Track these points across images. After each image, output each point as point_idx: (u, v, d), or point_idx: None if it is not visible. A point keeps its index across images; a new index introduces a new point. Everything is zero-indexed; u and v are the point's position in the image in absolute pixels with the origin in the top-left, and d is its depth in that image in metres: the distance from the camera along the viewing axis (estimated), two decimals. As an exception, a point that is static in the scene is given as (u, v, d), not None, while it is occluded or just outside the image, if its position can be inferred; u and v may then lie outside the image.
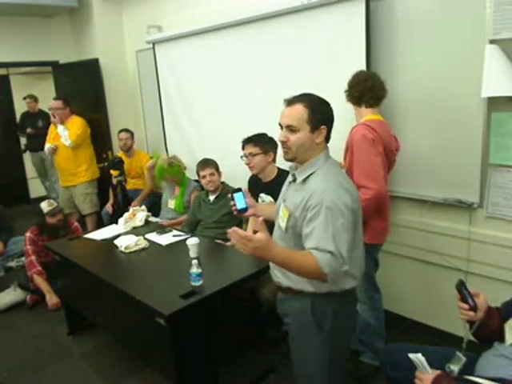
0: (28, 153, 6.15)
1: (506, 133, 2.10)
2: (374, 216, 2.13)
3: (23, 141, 6.20)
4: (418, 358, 1.41)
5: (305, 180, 1.51)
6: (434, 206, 2.44)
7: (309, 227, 1.43)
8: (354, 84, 2.18)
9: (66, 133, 4.19)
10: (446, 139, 2.32)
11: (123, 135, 4.20)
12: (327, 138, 1.53)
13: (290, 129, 1.48)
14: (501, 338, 1.48)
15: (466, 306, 1.49)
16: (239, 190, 1.74)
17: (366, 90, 2.15)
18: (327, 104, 1.52)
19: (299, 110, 1.46)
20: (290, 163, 1.61)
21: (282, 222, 1.55)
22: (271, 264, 1.65)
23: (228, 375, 2.27)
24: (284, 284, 1.60)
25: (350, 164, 2.11)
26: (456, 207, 2.35)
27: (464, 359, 1.47)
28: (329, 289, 1.51)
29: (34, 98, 5.89)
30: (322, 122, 1.48)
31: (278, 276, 1.62)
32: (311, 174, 1.50)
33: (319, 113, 1.47)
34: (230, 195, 1.75)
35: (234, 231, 1.37)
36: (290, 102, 1.50)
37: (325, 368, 1.61)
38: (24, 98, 5.88)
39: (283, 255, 1.41)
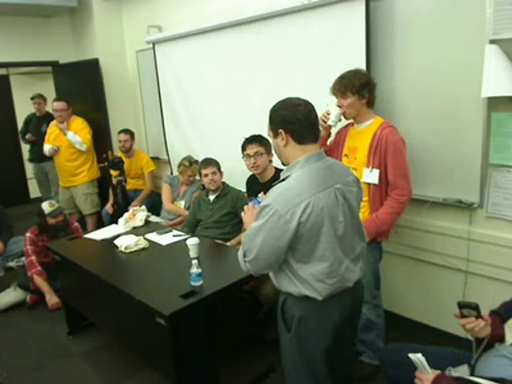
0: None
1: (506, 133, 2.10)
2: None
3: (26, 147, 5.62)
4: (417, 358, 1.41)
5: (282, 181, 1.52)
6: (433, 205, 2.44)
7: None
8: (369, 83, 2.17)
9: (78, 138, 4.20)
10: (445, 139, 2.31)
11: (122, 137, 4.18)
12: (298, 140, 1.50)
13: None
14: (501, 338, 1.48)
15: (471, 318, 1.48)
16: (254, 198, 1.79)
17: (375, 90, 2.19)
18: (290, 106, 1.50)
19: (268, 120, 1.57)
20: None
21: None
22: None
23: (228, 375, 2.27)
24: None
25: (380, 165, 2.12)
26: (456, 207, 2.35)
27: (468, 374, 1.46)
28: (287, 289, 1.55)
29: (44, 99, 5.15)
30: (278, 126, 1.51)
31: None
32: (287, 176, 1.51)
33: (274, 118, 1.53)
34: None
35: (248, 207, 1.64)
36: None
37: (296, 366, 1.62)
38: (31, 98, 5.14)
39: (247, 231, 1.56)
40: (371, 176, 2.15)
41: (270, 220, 1.42)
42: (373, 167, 2.14)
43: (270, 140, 1.61)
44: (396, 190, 2.12)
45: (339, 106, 2.19)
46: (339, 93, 2.16)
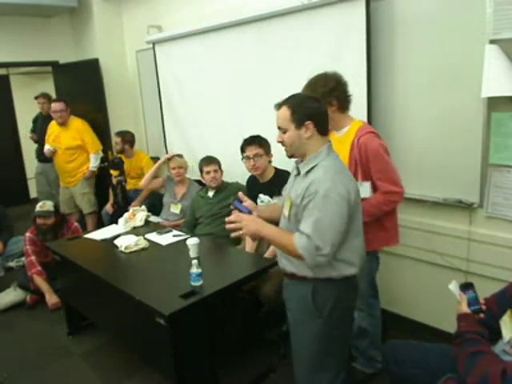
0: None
1: (506, 133, 2.10)
2: (391, 220, 2.11)
3: (27, 147, 5.63)
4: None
5: (308, 172, 1.58)
6: (434, 205, 2.44)
7: (303, 213, 1.55)
8: (335, 89, 1.99)
9: (93, 156, 4.34)
10: (445, 139, 2.32)
11: (115, 139, 4.19)
12: (322, 132, 1.58)
13: (281, 130, 1.61)
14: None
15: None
16: (236, 198, 1.83)
17: (347, 92, 2.03)
18: (313, 100, 1.61)
19: (284, 111, 1.58)
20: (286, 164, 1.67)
21: (286, 211, 1.66)
22: (278, 252, 1.74)
23: (228, 375, 2.27)
24: (288, 270, 1.69)
25: (367, 176, 2.00)
26: (456, 207, 2.35)
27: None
28: (328, 275, 1.59)
29: (48, 98, 4.81)
30: (306, 118, 1.54)
31: (284, 263, 1.71)
32: (314, 166, 1.57)
33: (301, 110, 1.56)
34: (231, 206, 1.82)
35: (228, 220, 1.65)
36: (278, 106, 1.61)
37: (321, 354, 1.67)
38: (36, 98, 4.88)
39: (272, 232, 1.62)
40: (362, 190, 1.90)
41: (338, 203, 1.48)
42: (362, 180, 2.01)
43: (288, 133, 1.57)
44: (386, 195, 1.99)
45: None
46: None
